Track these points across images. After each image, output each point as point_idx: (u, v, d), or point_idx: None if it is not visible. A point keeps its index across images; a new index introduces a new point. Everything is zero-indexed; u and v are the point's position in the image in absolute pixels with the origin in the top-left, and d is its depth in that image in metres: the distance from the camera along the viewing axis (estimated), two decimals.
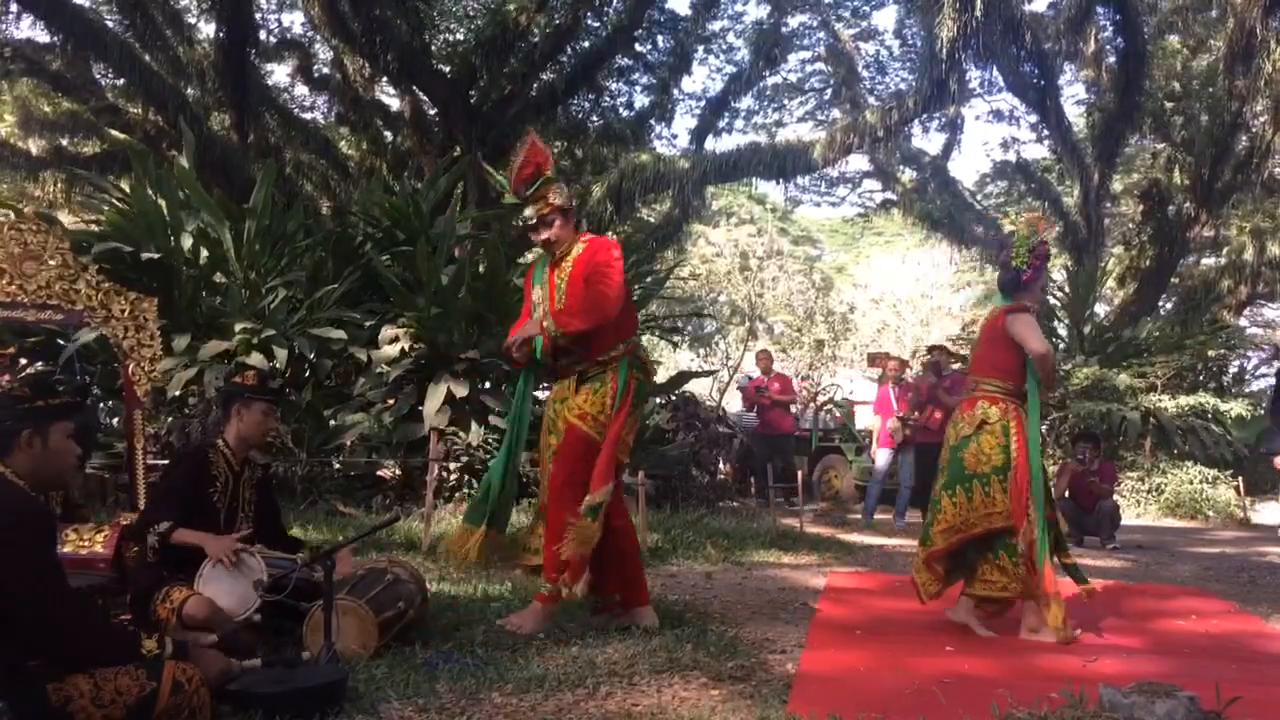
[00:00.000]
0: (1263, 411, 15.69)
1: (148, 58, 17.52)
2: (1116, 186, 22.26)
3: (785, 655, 4.19)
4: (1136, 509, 12.57)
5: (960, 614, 4.82)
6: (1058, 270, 24.46)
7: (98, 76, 19.85)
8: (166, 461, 4.51)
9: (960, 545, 4.75)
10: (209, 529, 4.12)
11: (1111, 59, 19.11)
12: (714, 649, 4.11)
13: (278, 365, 8.66)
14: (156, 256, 9.00)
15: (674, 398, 11.23)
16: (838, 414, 16.42)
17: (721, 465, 12.66)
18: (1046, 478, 4.73)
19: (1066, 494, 9.49)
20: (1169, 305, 23.72)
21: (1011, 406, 4.72)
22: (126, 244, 8.97)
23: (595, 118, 20.67)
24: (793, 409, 13.34)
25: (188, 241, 9.60)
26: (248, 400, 4.33)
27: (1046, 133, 21.15)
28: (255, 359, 8.50)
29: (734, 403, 20.37)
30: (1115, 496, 9.43)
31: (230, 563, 3.92)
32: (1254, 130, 18.89)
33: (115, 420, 9.59)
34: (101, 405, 9.48)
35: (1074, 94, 22.40)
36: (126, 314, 4.89)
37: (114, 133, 19.64)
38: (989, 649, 4.45)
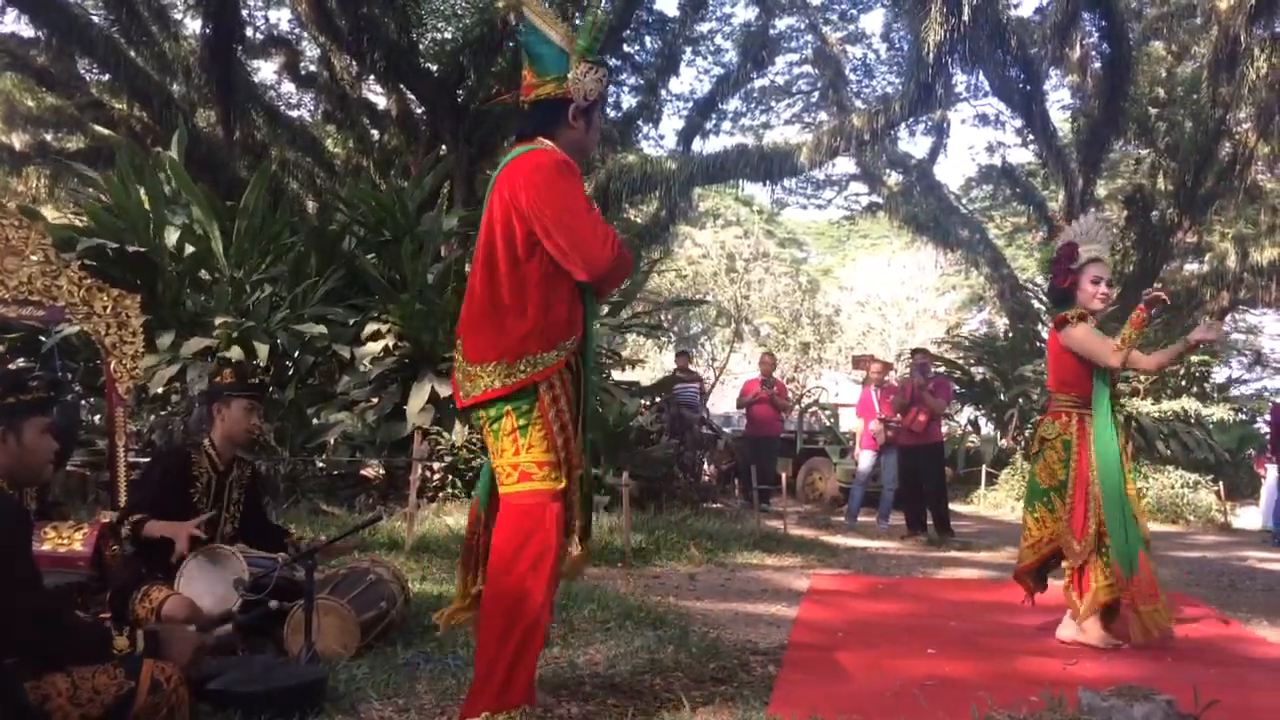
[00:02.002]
0: (1244, 417, 15.83)
1: (133, 53, 17.42)
2: (1101, 192, 22.37)
3: (767, 657, 4.20)
4: None
5: (1073, 632, 4.67)
6: (1042, 275, 24.61)
7: (83, 72, 19.72)
8: (148, 460, 4.48)
9: (1050, 557, 4.82)
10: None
11: (1097, 64, 19.22)
12: (696, 650, 4.11)
13: (259, 361, 8.63)
14: (141, 251, 8.95)
15: (660, 399, 11.24)
16: (823, 416, 16.48)
17: (706, 467, 12.67)
18: (1126, 484, 4.57)
19: None
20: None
21: (1075, 419, 4.70)
22: (110, 240, 8.93)
23: None
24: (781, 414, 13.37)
25: (173, 237, 9.55)
26: (227, 399, 4.30)
27: (1032, 137, 21.23)
28: (234, 353, 8.46)
29: (719, 404, 20.43)
30: None
31: (184, 547, 3.88)
32: (1237, 137, 19.01)
33: (97, 417, 9.54)
34: (83, 402, 9.42)
35: (1059, 99, 22.55)
36: (109, 310, 4.87)
37: (98, 128, 19.53)
38: (970, 652, 4.47)
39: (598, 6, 3.33)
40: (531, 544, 2.93)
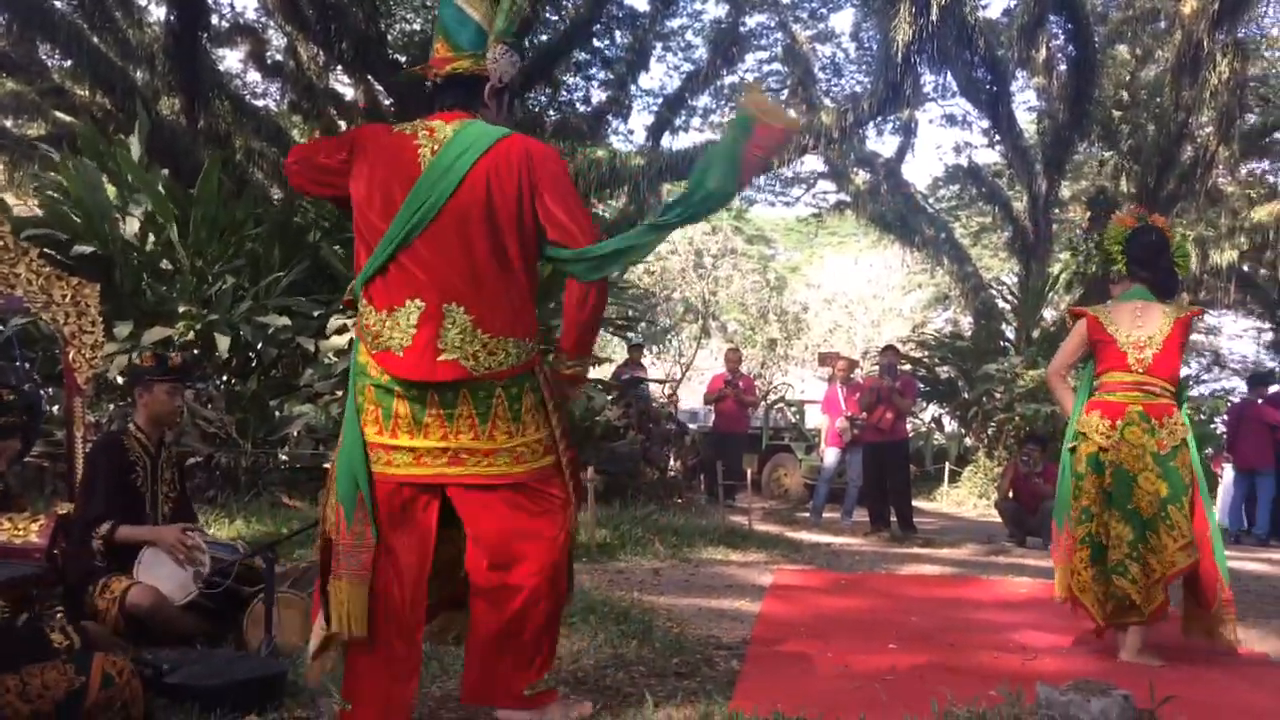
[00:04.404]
0: (1203, 417, 16.04)
1: (96, 39, 17.15)
2: (1065, 193, 22.58)
3: (730, 652, 4.20)
4: None
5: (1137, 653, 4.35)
6: (1007, 275, 24.84)
7: (44, 57, 19.40)
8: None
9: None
10: (136, 515, 4.07)
11: (1062, 67, 19.38)
12: (659, 645, 4.12)
13: (220, 354, 8.53)
14: (90, 251, 8.81)
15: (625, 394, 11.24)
16: (789, 413, 16.55)
17: (672, 462, 12.69)
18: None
19: (1010, 495, 9.62)
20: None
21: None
22: (65, 231, 8.80)
23: (552, 112, 20.59)
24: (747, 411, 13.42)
25: (134, 226, 9.42)
26: (149, 383, 4.29)
27: (998, 138, 21.40)
28: (187, 340, 8.37)
29: (686, 399, 20.45)
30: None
31: (182, 554, 3.85)
32: (1199, 141, 19.25)
33: (55, 408, 9.39)
34: (42, 392, 9.28)
35: (1026, 100, 22.71)
36: (68, 299, 4.78)
37: (60, 115, 19.22)
38: (931, 647, 4.50)
39: None
40: (567, 518, 2.98)
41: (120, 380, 8.47)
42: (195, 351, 8.40)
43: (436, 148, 2.88)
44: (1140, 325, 4.47)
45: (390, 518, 2.86)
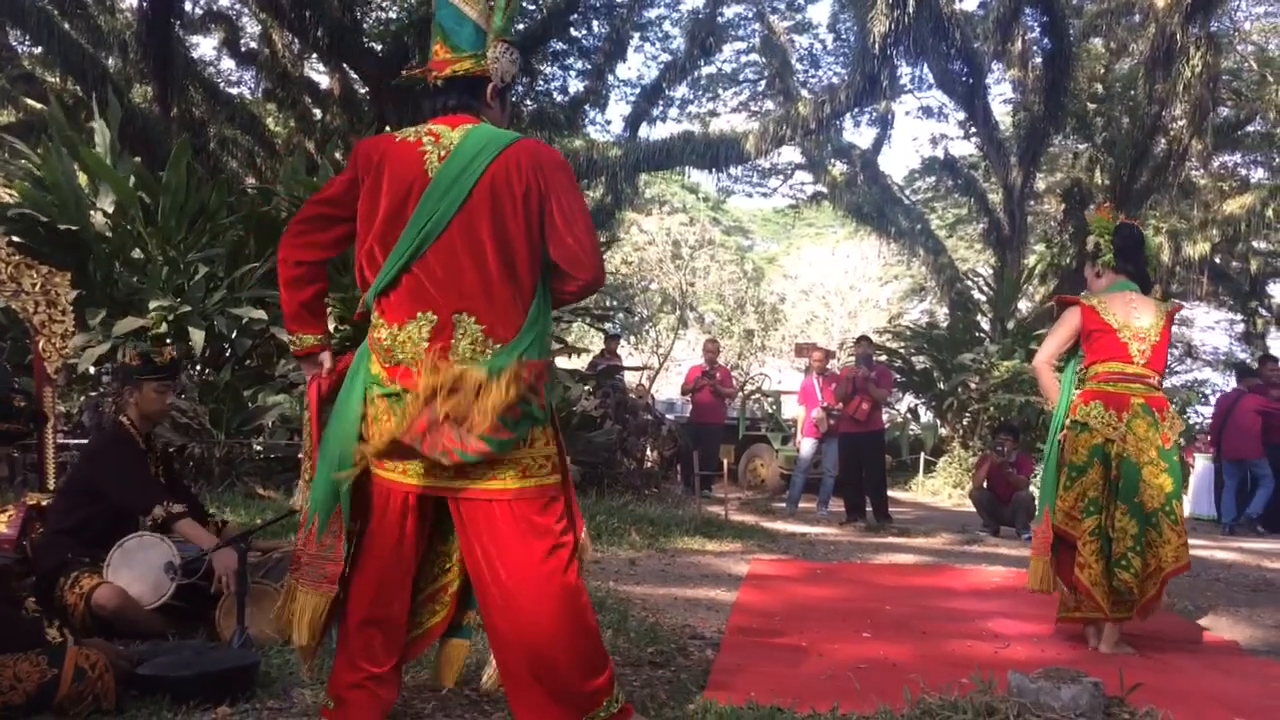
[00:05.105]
0: (1175, 408, 16.19)
1: (67, 26, 16.96)
2: (1040, 185, 22.73)
3: (705, 641, 4.22)
4: None
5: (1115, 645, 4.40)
6: (982, 266, 24.98)
7: (14, 44, 19.18)
8: (105, 442, 4.37)
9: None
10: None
11: (1038, 60, 19.50)
12: (635, 635, 4.12)
13: (193, 344, 8.46)
14: (72, 229, 8.73)
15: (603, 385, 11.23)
16: (765, 403, 16.60)
17: (649, 452, 12.71)
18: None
19: (985, 485, 9.68)
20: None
21: None
22: (40, 214, 8.70)
23: (529, 101, 20.53)
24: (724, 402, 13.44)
25: (102, 215, 9.33)
26: (138, 382, 4.28)
27: (974, 130, 21.52)
28: (162, 330, 8.30)
29: (663, 390, 20.47)
30: (1031, 488, 9.65)
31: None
32: (1172, 134, 19.40)
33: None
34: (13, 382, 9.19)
35: (1001, 93, 22.87)
36: (38, 288, 4.73)
37: (30, 102, 19.00)
38: (904, 635, 4.53)
39: None
40: (573, 539, 2.84)
41: (92, 371, 8.40)
42: (168, 342, 8.32)
43: (444, 154, 2.77)
44: (1138, 317, 4.44)
45: (391, 528, 2.77)
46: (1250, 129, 21.84)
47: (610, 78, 21.41)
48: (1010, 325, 16.32)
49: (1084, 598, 4.34)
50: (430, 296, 2.75)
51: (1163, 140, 19.52)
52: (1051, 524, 4.44)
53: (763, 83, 24.09)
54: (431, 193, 2.74)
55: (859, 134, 29.80)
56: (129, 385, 4.32)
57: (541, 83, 20.70)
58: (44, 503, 4.38)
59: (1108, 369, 4.41)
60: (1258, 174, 23.37)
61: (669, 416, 14.07)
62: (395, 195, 2.77)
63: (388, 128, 16.51)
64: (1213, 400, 16.47)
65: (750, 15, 22.52)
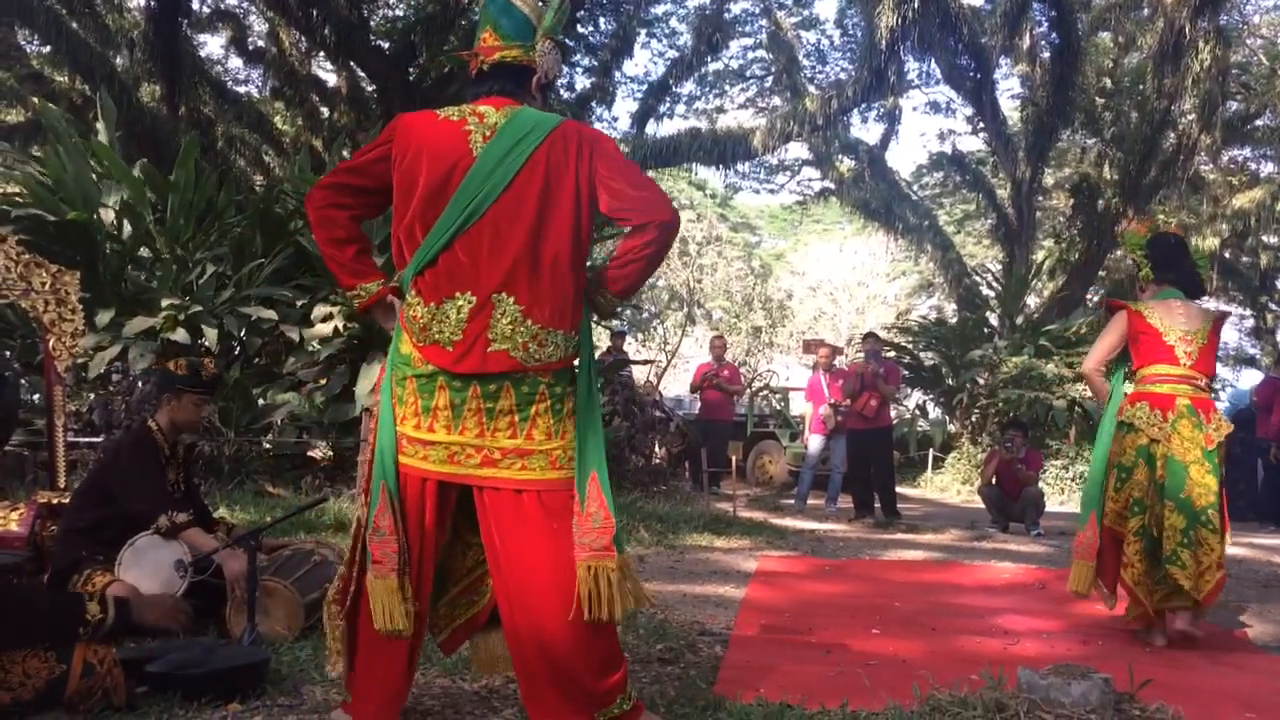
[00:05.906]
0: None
1: (75, 25, 17.01)
2: (1048, 180, 22.66)
3: (714, 638, 4.22)
4: (1060, 496, 12.85)
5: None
6: (990, 262, 24.92)
7: (23, 43, 19.24)
8: (127, 443, 4.37)
9: None
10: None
11: (1046, 54, 19.43)
12: (644, 631, 4.12)
13: (207, 344, 8.48)
14: (78, 220, 8.73)
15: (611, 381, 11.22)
16: (773, 400, 16.59)
17: (657, 449, 12.70)
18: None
19: (994, 481, 9.67)
20: (1097, 298, 24.27)
21: None
22: (48, 213, 8.72)
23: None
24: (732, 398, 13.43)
25: (110, 214, 9.35)
26: (179, 391, 4.27)
27: (982, 125, 21.45)
28: (179, 335, 8.31)
29: (671, 387, 20.48)
30: (1040, 484, 9.63)
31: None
32: (1181, 128, 19.34)
33: (35, 397, 9.33)
34: (22, 381, 9.22)
35: (1009, 88, 22.77)
36: (47, 287, 4.75)
37: (39, 101, 19.05)
38: (914, 632, 4.52)
39: None
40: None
41: (102, 370, 8.41)
42: (213, 354, 8.33)
43: (489, 134, 2.76)
44: (1185, 321, 4.50)
45: (412, 512, 2.75)
46: (1260, 123, 21.72)
47: (617, 74, 21.44)
48: (1019, 321, 16.29)
49: (1129, 598, 4.41)
50: (470, 276, 2.72)
51: (1172, 135, 19.46)
52: (1099, 527, 4.50)
53: (770, 79, 24.06)
54: (476, 172, 2.72)
55: (866, 130, 29.86)
56: (168, 392, 4.32)
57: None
58: (55, 501, 4.40)
59: (1155, 371, 4.48)
60: (1267, 168, 23.25)
61: (677, 413, 14.08)
62: (436, 173, 2.73)
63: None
64: (1224, 396, 16.41)
65: (757, 11, 22.52)
